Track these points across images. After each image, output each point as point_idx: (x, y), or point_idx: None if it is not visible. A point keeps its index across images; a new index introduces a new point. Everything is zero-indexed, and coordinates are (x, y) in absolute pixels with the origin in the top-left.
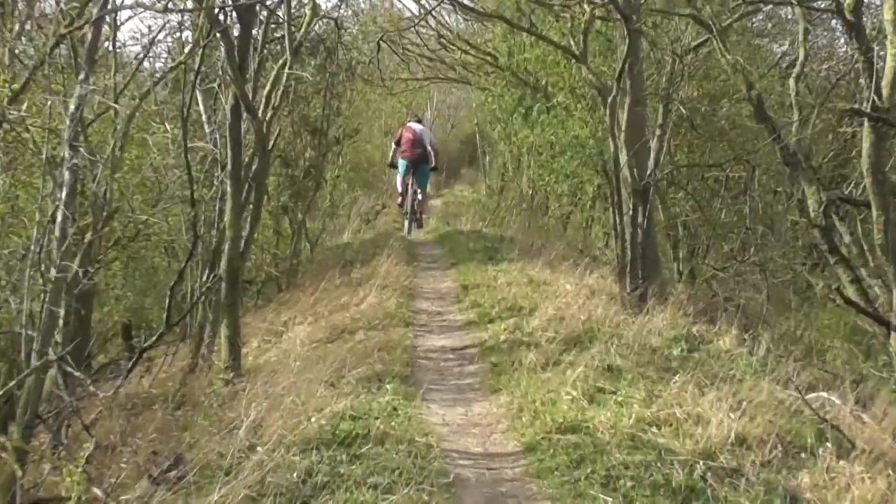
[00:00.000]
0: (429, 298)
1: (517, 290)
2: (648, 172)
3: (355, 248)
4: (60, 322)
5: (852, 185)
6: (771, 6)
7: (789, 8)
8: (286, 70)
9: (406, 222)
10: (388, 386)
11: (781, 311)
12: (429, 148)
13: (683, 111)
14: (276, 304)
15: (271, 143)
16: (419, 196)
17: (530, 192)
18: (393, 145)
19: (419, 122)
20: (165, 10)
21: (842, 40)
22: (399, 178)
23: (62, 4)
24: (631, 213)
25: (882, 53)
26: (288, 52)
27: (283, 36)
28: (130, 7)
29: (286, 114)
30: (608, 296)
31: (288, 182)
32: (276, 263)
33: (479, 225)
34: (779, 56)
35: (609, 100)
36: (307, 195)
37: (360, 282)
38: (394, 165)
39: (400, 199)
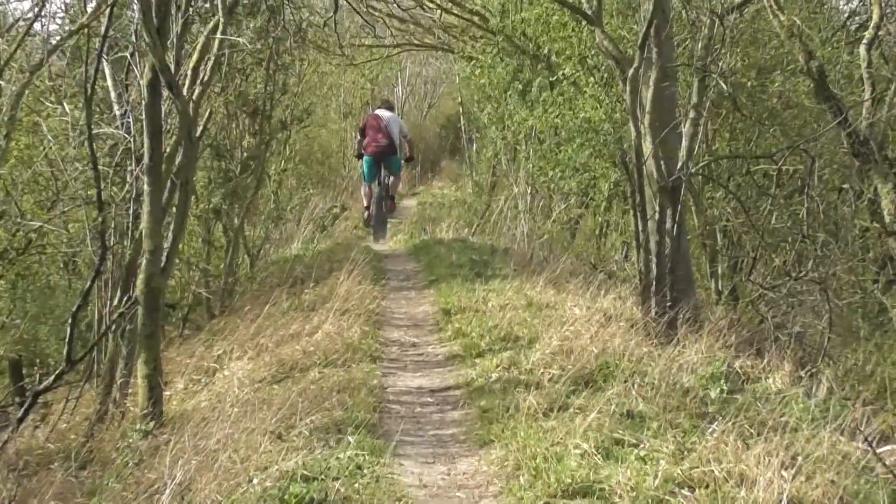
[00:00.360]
0: (401, 326)
1: (513, 316)
2: (680, 165)
3: (307, 261)
4: None
5: None
6: None
7: None
8: (218, 35)
9: (373, 231)
10: (349, 438)
11: (848, 342)
12: (398, 138)
13: (724, 87)
14: (208, 334)
15: (200, 128)
16: (391, 184)
17: (529, 191)
18: (357, 136)
19: (390, 108)
20: None
21: None
22: (364, 186)
23: None
24: (657, 216)
25: None
26: (220, 12)
27: None
28: None
29: (218, 91)
30: (628, 322)
31: (221, 178)
32: (206, 282)
33: (464, 232)
34: (846, 16)
35: (630, 73)
36: (246, 195)
37: (313, 305)
38: (360, 156)
39: (366, 214)
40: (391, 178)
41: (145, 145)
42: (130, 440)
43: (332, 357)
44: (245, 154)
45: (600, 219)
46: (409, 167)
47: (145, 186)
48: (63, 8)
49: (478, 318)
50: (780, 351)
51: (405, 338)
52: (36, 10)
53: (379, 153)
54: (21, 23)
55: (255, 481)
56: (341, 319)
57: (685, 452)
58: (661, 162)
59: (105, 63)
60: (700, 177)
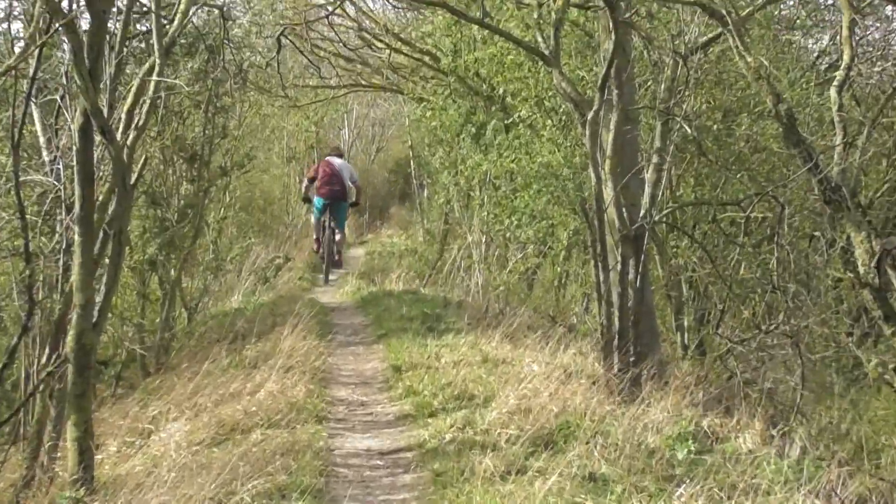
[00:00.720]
0: (349, 384)
1: (467, 373)
2: (642, 213)
3: (249, 315)
4: None
5: None
6: None
7: None
8: (154, 77)
9: (323, 269)
10: None
11: (821, 399)
12: (348, 184)
13: (689, 130)
14: (143, 394)
15: (135, 175)
16: (337, 236)
17: (484, 240)
18: (305, 181)
19: (340, 156)
20: None
21: None
22: (314, 220)
23: None
24: (619, 267)
25: None
26: (157, 53)
27: (149, 30)
28: None
29: (154, 136)
30: (589, 379)
31: (157, 228)
32: (141, 338)
33: (415, 283)
34: (815, 56)
35: (589, 115)
36: (183, 245)
37: (255, 362)
38: (308, 200)
39: (316, 245)
40: (337, 236)
41: (76, 193)
42: None
43: (276, 418)
44: (182, 202)
45: (559, 269)
46: (355, 213)
47: (76, 237)
48: None
49: (430, 376)
50: (750, 408)
51: (353, 396)
52: None
53: (331, 197)
54: None
55: None
56: (285, 377)
57: None
58: (623, 209)
59: (34, 106)
60: (664, 225)
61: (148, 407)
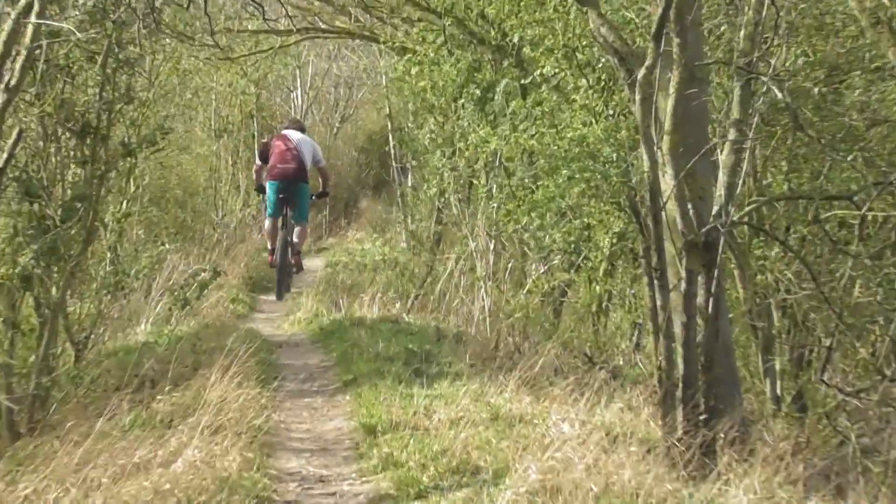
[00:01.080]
0: (302, 452)
1: (470, 436)
2: (716, 210)
3: (161, 353)
4: None
5: None
6: None
7: None
8: (32, 18)
9: (276, 279)
10: None
11: None
12: (310, 164)
13: (779, 95)
14: (10, 464)
15: (4, 155)
16: (295, 231)
17: (492, 246)
18: (257, 162)
19: (301, 130)
20: None
21: None
22: (268, 221)
23: None
24: (684, 286)
25: None
26: None
27: None
28: None
29: (31, 100)
30: (643, 445)
31: (34, 229)
32: (8, 384)
33: (395, 308)
34: None
35: (640, 74)
36: (70, 253)
37: (170, 419)
38: (262, 189)
39: (271, 258)
40: (296, 229)
41: None
42: None
43: (199, 499)
44: (70, 192)
45: (598, 289)
46: (322, 205)
47: None
48: None
49: (417, 440)
50: (871, 487)
51: (309, 469)
52: None
53: (286, 178)
54: None
55: None
56: (212, 441)
57: None
58: (689, 205)
59: None
60: (746, 227)
61: (17, 483)
